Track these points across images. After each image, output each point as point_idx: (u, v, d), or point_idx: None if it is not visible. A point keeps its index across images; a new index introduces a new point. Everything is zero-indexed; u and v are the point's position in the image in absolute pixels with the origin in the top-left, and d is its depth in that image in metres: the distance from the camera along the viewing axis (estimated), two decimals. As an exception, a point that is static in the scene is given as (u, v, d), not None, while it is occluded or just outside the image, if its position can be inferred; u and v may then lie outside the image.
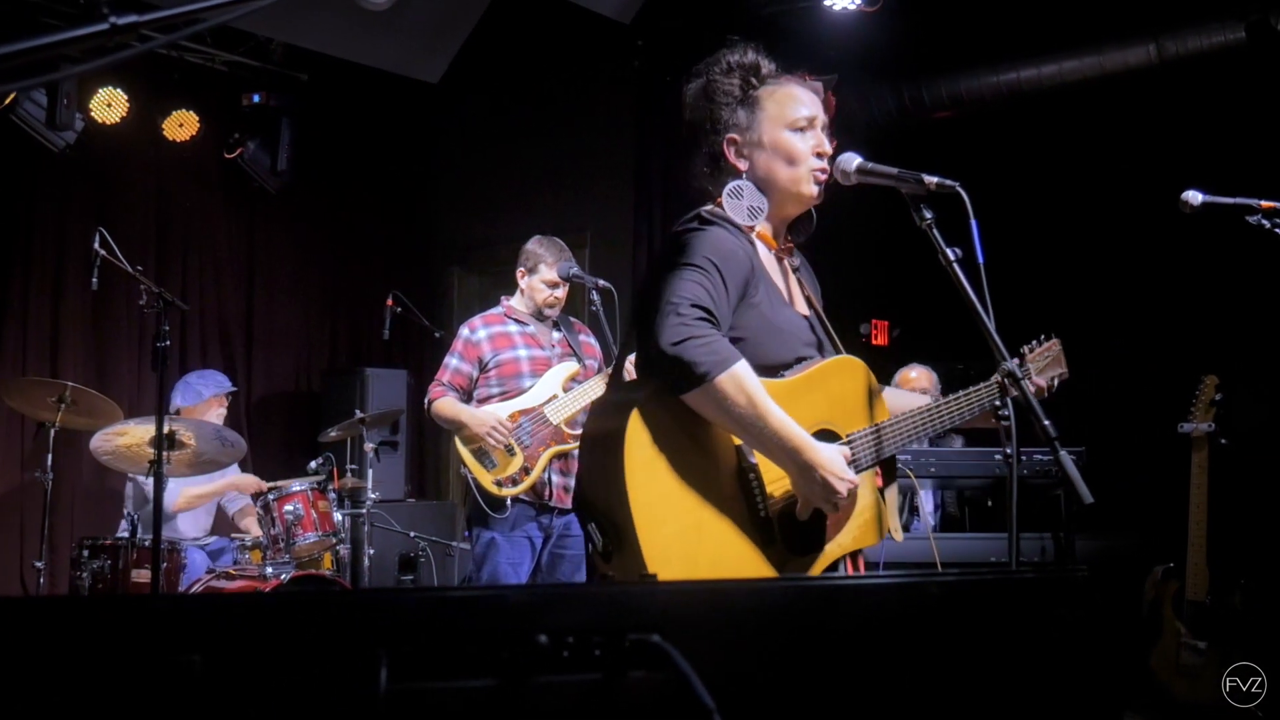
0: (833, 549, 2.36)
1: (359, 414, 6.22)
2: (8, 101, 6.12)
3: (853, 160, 2.47)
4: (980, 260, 2.30)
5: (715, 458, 2.28)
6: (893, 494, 2.50)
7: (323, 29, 7.01)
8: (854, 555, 2.50)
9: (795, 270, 2.62)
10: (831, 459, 2.26)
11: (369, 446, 6.13)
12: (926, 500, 5.42)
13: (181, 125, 7.11)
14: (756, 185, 2.48)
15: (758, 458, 2.30)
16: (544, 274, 5.04)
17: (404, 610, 0.94)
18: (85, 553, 5.31)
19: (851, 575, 1.22)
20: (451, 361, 5.06)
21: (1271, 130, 6.05)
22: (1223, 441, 4.67)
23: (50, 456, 5.34)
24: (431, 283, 8.55)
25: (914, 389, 5.36)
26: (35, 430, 5.32)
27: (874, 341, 9.10)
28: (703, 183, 2.57)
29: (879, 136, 8.07)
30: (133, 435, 5.26)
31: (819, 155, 2.48)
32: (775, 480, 2.31)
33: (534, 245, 5.12)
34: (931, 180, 2.35)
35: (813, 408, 2.37)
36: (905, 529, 5.35)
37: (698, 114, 2.54)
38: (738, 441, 2.29)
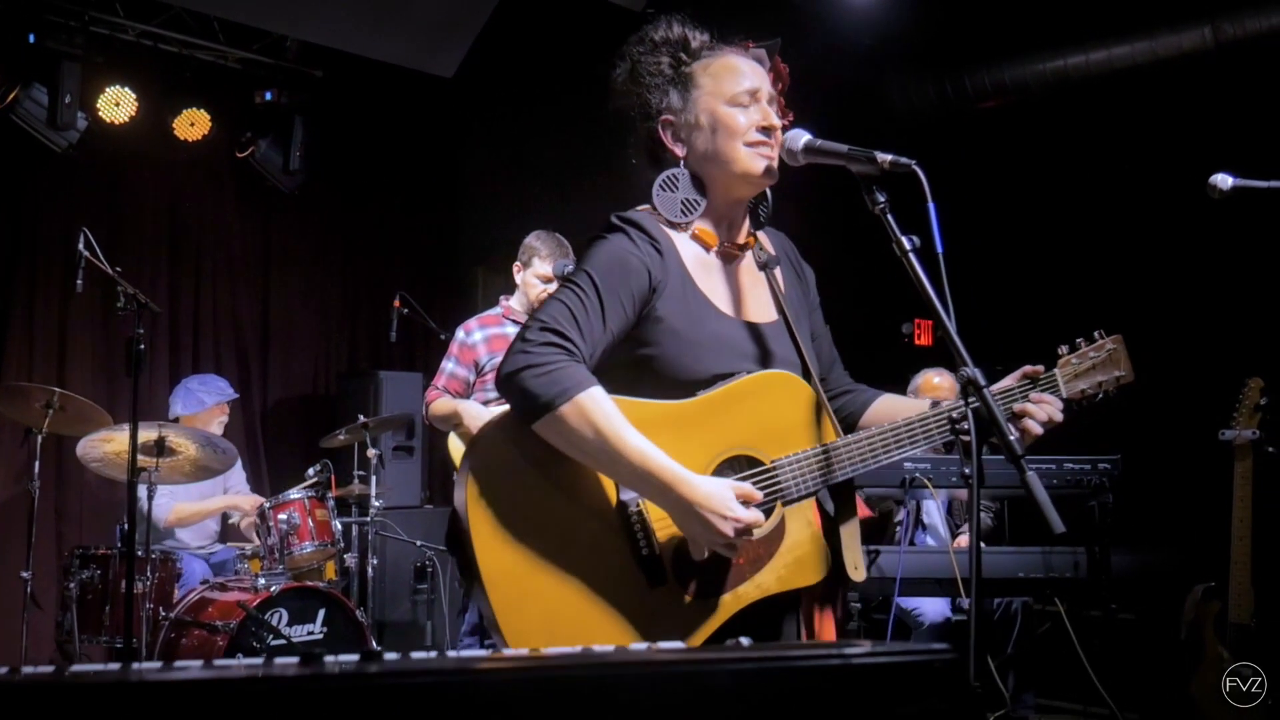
0: (749, 590, 2.06)
1: (362, 418, 6.00)
2: (9, 100, 5.99)
3: (800, 138, 2.17)
4: (939, 250, 2.00)
5: (588, 491, 2.02)
6: (850, 530, 2.17)
7: (335, 24, 6.82)
8: (817, 598, 2.18)
9: (764, 267, 2.29)
10: (712, 494, 1.96)
11: (372, 452, 5.93)
12: (933, 510, 5.09)
13: (193, 124, 6.95)
14: (697, 172, 2.22)
15: None
16: (537, 268, 4.86)
17: None
18: (76, 562, 5.17)
19: (614, 655, 0.93)
20: (448, 366, 4.91)
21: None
22: (1269, 450, 4.29)
23: (38, 464, 5.19)
24: (456, 282, 8.33)
25: (937, 395, 5.01)
26: (22, 437, 5.14)
27: (917, 341, 8.75)
28: (646, 176, 2.28)
29: (921, 127, 7.75)
30: (120, 442, 5.09)
31: (764, 130, 2.19)
32: (666, 515, 2.03)
33: (531, 239, 4.96)
34: (885, 158, 2.04)
35: (727, 431, 2.07)
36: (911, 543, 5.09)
37: (627, 101, 2.27)
38: None
